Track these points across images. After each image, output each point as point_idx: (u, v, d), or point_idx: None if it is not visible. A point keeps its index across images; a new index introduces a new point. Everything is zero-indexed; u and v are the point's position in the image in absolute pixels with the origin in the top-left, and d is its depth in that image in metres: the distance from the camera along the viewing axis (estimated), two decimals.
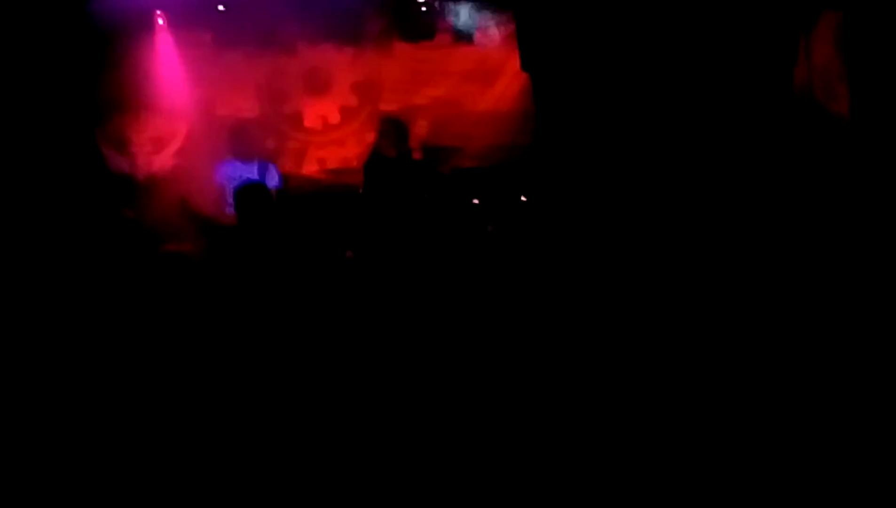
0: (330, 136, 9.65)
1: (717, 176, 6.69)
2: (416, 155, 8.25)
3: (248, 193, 6.45)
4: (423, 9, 9.37)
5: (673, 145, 7.02)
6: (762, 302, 5.32)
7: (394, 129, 7.58)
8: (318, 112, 9.61)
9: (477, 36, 9.48)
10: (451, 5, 8.02)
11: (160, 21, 9.30)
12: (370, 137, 9.13)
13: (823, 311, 5.10)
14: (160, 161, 9.51)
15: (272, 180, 7.49)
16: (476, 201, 8.17)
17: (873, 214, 5.77)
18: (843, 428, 3.99)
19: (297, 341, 5.51)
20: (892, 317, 4.87)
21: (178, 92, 9.50)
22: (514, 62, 9.38)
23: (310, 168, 9.60)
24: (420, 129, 8.89)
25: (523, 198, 8.21)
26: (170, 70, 9.44)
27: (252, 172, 7.46)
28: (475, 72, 9.49)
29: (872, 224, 5.70)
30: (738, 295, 5.48)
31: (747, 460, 3.87)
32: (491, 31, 9.48)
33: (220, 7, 9.21)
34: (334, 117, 9.60)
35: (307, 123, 9.63)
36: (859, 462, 3.73)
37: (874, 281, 5.23)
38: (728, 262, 5.94)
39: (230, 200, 7.43)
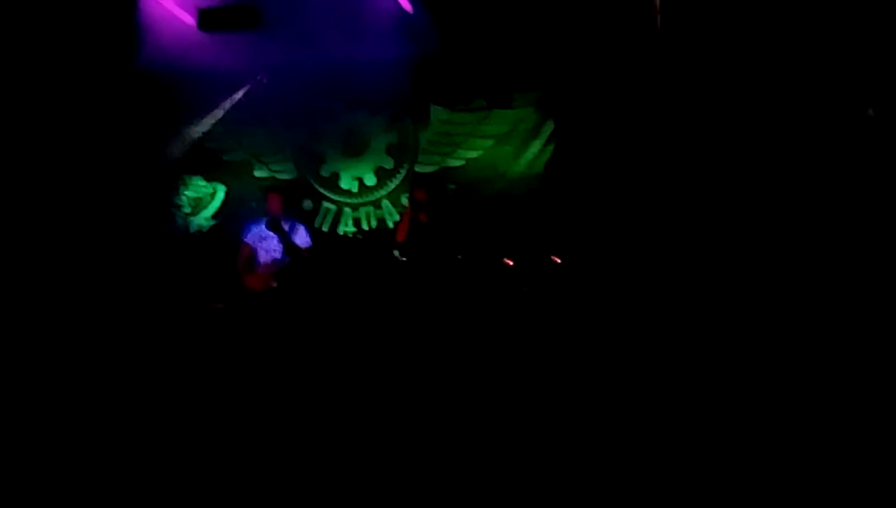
0: (365, 197, 9.72)
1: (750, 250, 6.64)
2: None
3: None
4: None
5: (701, 208, 7.00)
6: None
7: (424, 191, 7.68)
8: (354, 174, 9.71)
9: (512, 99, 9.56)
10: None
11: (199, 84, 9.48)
12: (405, 198, 9.24)
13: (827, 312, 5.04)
14: (198, 222, 9.66)
15: (301, 239, 7.54)
16: (510, 262, 8.15)
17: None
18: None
19: (330, 399, 5.51)
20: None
21: (217, 153, 9.70)
22: (549, 124, 9.47)
23: (346, 228, 9.67)
24: (454, 190, 8.93)
25: (557, 259, 8.18)
26: (209, 132, 9.64)
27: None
28: (509, 135, 9.53)
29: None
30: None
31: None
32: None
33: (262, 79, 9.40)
34: (370, 179, 9.69)
35: (343, 184, 9.72)
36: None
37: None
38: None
39: (260, 258, 7.52)
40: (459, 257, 7.75)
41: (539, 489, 3.99)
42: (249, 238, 7.65)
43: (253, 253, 7.58)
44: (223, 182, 9.76)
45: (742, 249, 6.68)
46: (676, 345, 5.86)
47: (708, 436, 4.31)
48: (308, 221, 8.93)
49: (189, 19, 8.43)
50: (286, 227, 7.43)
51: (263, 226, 7.45)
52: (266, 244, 7.50)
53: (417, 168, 9.60)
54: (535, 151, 9.50)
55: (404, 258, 7.77)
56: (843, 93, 6.52)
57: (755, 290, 6.20)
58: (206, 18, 7.97)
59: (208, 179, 9.78)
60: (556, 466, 4.24)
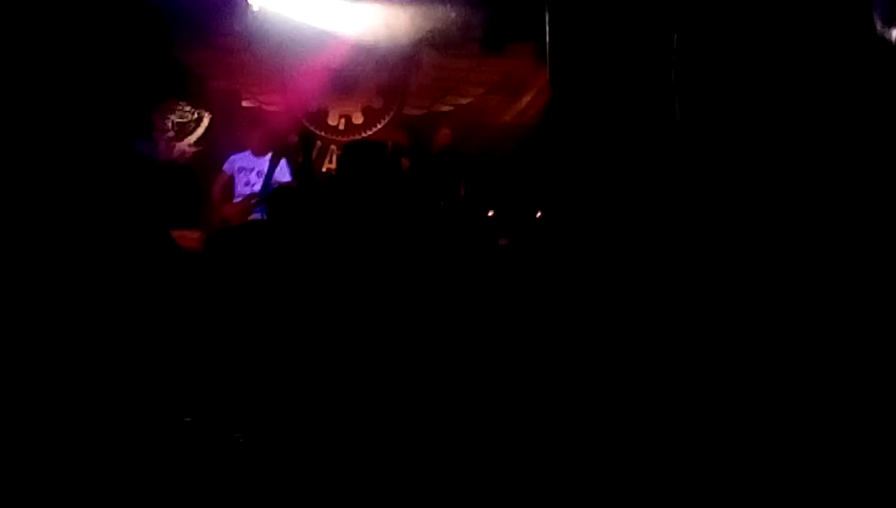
0: (352, 136, 9.66)
1: (743, 204, 6.63)
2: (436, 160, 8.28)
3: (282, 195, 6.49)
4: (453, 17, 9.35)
5: (696, 168, 6.99)
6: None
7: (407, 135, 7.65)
8: (342, 111, 9.63)
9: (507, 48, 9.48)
10: None
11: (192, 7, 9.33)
12: (392, 139, 9.18)
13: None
14: (181, 148, 9.58)
15: (283, 175, 7.50)
16: (491, 214, 8.14)
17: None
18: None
19: (301, 345, 5.50)
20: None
21: (205, 80, 9.57)
22: (542, 77, 9.40)
23: (330, 166, 9.62)
24: (442, 136, 8.86)
25: (538, 214, 8.17)
26: (199, 58, 9.50)
27: (263, 166, 7.49)
28: (501, 83, 9.47)
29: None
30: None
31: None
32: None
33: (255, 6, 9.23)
34: (357, 118, 9.62)
35: (331, 121, 9.64)
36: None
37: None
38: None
39: (238, 190, 7.48)
40: (441, 203, 7.72)
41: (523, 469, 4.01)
42: (227, 167, 7.60)
43: (230, 182, 7.53)
44: (209, 109, 9.66)
45: (739, 220, 6.67)
46: (661, 312, 5.88)
47: (702, 422, 4.33)
48: (293, 155, 8.87)
49: None
50: (269, 161, 7.39)
51: (245, 157, 7.41)
52: (245, 177, 7.46)
53: (405, 111, 9.55)
54: (526, 102, 9.47)
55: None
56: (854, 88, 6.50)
57: (753, 265, 6.20)
58: None
59: (194, 105, 9.67)
60: (542, 441, 4.27)
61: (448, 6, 9.09)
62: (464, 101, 9.54)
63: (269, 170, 7.44)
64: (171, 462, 4.19)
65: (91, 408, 4.31)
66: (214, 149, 8.99)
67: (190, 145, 9.62)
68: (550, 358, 5.35)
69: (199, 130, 9.64)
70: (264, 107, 9.57)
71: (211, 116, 9.62)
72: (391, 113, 9.57)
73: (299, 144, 7.56)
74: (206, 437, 4.44)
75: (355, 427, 4.59)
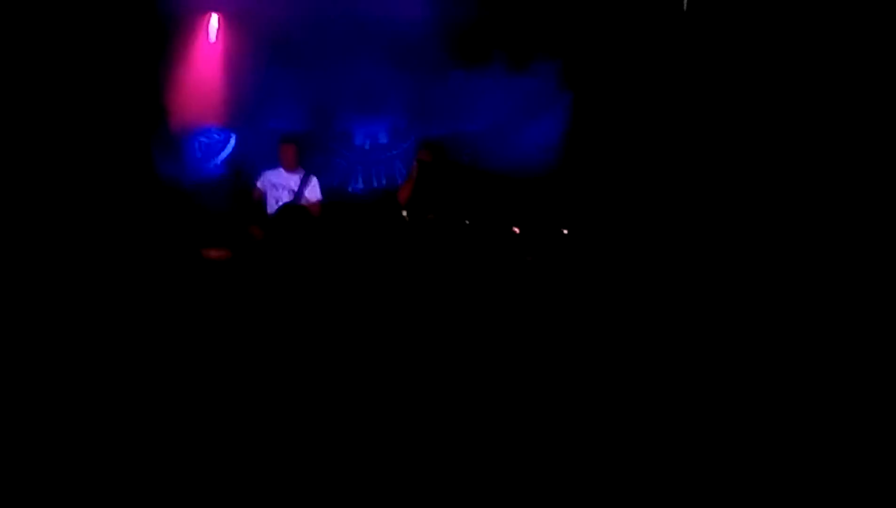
0: (378, 155, 9.69)
1: (759, 216, 6.61)
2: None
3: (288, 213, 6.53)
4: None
5: (715, 184, 6.96)
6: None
7: (433, 152, 7.67)
8: (368, 131, 9.66)
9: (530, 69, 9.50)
10: None
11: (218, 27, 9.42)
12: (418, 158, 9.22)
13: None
14: (209, 168, 9.63)
15: (313, 193, 7.55)
16: (517, 230, 8.14)
17: None
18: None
19: (322, 357, 5.52)
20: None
21: (232, 101, 9.62)
22: (564, 96, 9.43)
23: (356, 185, 9.65)
24: (465, 154, 8.88)
25: (565, 231, 8.17)
26: (226, 79, 9.57)
27: (294, 183, 7.53)
28: (525, 103, 9.49)
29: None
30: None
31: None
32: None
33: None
34: (383, 137, 9.65)
35: (356, 141, 9.68)
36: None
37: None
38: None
39: (269, 206, 7.52)
40: (466, 221, 7.74)
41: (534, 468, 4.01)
42: (261, 183, 7.65)
43: (263, 199, 7.58)
44: (235, 129, 9.70)
45: (754, 233, 6.66)
46: (679, 326, 5.86)
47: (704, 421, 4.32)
48: (319, 175, 8.88)
49: None
50: (300, 179, 7.44)
51: (276, 173, 7.46)
52: (277, 193, 7.51)
53: (433, 130, 9.56)
54: (549, 123, 9.48)
55: (408, 219, 7.78)
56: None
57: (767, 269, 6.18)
58: None
59: (221, 125, 9.71)
60: (554, 443, 4.27)
61: (475, 24, 9.13)
62: (487, 119, 9.54)
63: (299, 187, 7.49)
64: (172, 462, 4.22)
65: (103, 409, 4.33)
66: (243, 168, 9.05)
67: (217, 166, 9.66)
68: (572, 370, 5.34)
69: (227, 150, 9.68)
70: (290, 126, 9.58)
71: (238, 135, 9.66)
72: (417, 132, 9.59)
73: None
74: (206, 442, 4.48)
75: (360, 431, 4.60)
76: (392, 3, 8.71)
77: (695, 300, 6.08)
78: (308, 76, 9.50)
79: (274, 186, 7.54)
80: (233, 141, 9.69)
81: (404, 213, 7.69)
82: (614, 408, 4.76)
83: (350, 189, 9.61)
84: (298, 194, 7.43)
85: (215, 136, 9.70)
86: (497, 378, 5.31)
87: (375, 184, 9.62)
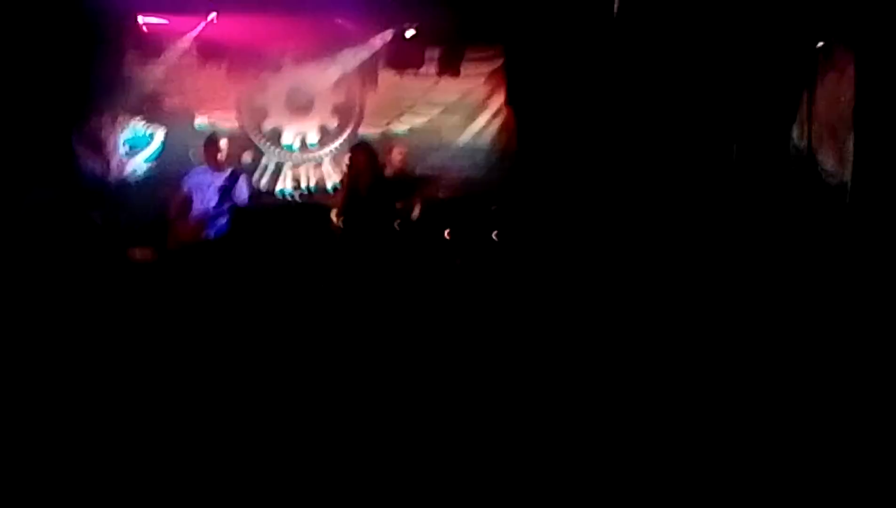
0: (307, 155, 9.62)
1: (704, 233, 6.68)
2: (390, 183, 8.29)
3: None
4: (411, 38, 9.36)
5: (658, 193, 7.02)
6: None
7: (365, 155, 7.60)
8: (298, 131, 9.59)
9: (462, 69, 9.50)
10: None
11: (145, 26, 9.26)
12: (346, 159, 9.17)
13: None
14: (134, 165, 9.45)
15: (241, 193, 7.45)
16: (447, 234, 8.14)
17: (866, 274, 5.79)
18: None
19: (254, 360, 5.45)
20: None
21: (158, 97, 9.47)
22: (497, 99, 9.46)
23: (284, 185, 9.56)
24: (397, 156, 8.86)
25: (494, 235, 8.19)
26: (152, 75, 9.41)
27: (221, 181, 7.44)
28: (457, 104, 9.51)
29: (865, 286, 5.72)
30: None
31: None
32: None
33: (211, 17, 9.15)
34: (313, 137, 9.58)
35: (285, 140, 9.59)
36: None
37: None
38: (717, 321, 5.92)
39: (196, 206, 7.41)
40: (397, 225, 7.71)
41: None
42: (185, 184, 7.53)
43: (187, 201, 7.46)
44: (162, 127, 9.54)
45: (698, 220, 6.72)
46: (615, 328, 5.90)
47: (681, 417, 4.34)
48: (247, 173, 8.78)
49: None
50: (227, 178, 7.35)
51: (204, 173, 7.35)
52: (202, 194, 7.39)
53: (361, 131, 9.53)
54: (482, 124, 9.51)
55: (340, 223, 7.74)
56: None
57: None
58: None
59: (147, 122, 9.54)
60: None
61: (406, 25, 9.12)
62: (419, 121, 9.54)
63: (228, 185, 7.39)
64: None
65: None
66: (169, 166, 8.90)
67: (142, 164, 9.49)
68: (507, 374, 5.34)
69: (152, 148, 9.52)
70: (218, 125, 9.45)
71: (165, 133, 9.50)
72: (347, 132, 9.54)
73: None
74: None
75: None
76: (324, 3, 8.66)
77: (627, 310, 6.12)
78: (237, 74, 9.39)
79: (200, 185, 7.42)
80: (159, 137, 9.53)
81: (334, 217, 7.63)
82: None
83: (278, 190, 9.52)
84: (227, 193, 7.33)
85: (141, 133, 9.53)
86: (427, 382, 5.29)
87: (304, 184, 9.54)
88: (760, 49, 6.86)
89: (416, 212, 7.77)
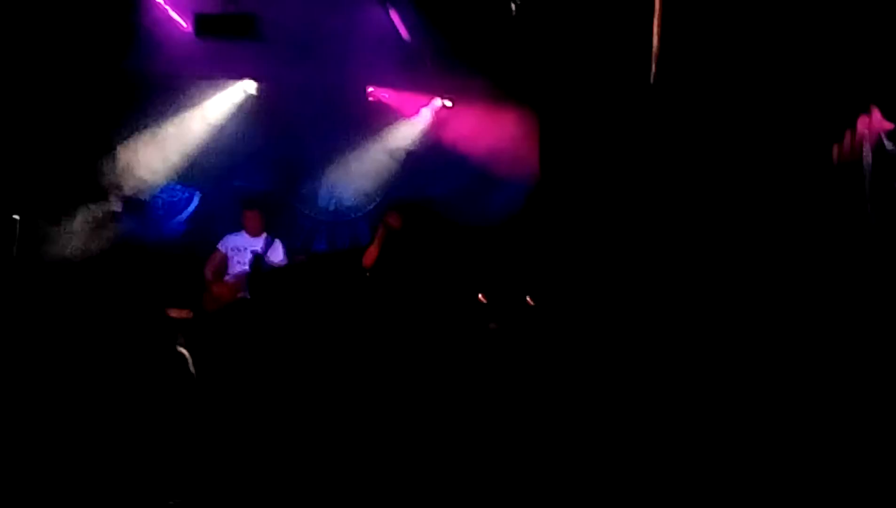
0: (342, 216, 9.71)
1: (741, 281, 6.63)
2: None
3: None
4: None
5: (690, 239, 6.98)
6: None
7: (400, 216, 7.68)
8: (333, 193, 9.68)
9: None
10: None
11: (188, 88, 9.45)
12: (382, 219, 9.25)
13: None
14: (172, 226, 9.57)
15: (277, 256, 7.52)
16: (482, 298, 8.13)
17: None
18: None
19: (288, 421, 5.46)
20: None
21: (197, 159, 9.62)
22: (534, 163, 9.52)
23: (320, 246, 9.63)
24: (429, 218, 8.90)
25: (529, 299, 8.17)
26: (191, 138, 9.57)
27: (258, 246, 7.51)
28: (493, 169, 9.58)
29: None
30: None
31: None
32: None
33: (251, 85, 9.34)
34: (348, 199, 9.67)
35: (321, 202, 9.69)
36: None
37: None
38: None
39: (231, 269, 7.48)
40: (432, 287, 7.73)
41: None
42: (221, 246, 7.61)
43: (224, 261, 7.54)
44: (199, 188, 9.67)
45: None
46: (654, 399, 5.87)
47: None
48: (284, 236, 8.85)
49: (186, 24, 8.37)
50: (263, 243, 7.43)
51: (240, 237, 7.44)
52: (239, 256, 7.46)
53: (397, 193, 9.60)
54: (517, 184, 9.54)
55: (373, 282, 7.78)
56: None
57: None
58: (202, 25, 7.88)
59: (185, 183, 9.67)
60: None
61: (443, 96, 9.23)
62: (456, 183, 9.61)
63: (263, 250, 7.46)
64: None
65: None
66: (206, 228, 9.00)
67: (180, 224, 9.61)
68: (537, 441, 5.31)
69: (190, 209, 9.64)
70: (255, 187, 9.57)
71: (201, 194, 9.63)
72: (382, 193, 9.62)
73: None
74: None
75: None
76: (361, 67, 8.78)
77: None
78: (274, 137, 9.52)
79: (237, 249, 7.50)
80: (196, 199, 9.66)
81: (368, 279, 7.67)
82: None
83: (314, 250, 9.59)
84: (262, 257, 7.40)
85: (179, 194, 9.66)
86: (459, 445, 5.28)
87: (339, 246, 9.60)
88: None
89: (450, 275, 7.79)
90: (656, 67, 7.33)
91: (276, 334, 6.34)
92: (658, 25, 6.70)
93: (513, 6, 7.55)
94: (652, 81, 7.46)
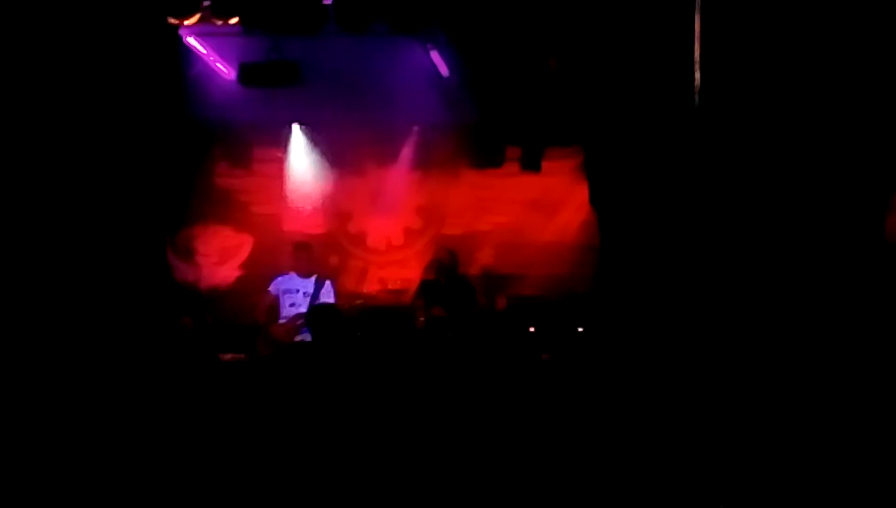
0: (392, 256, 9.77)
1: (800, 327, 6.52)
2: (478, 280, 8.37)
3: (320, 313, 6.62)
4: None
5: (745, 290, 6.89)
6: None
7: (444, 258, 7.75)
8: (383, 232, 9.75)
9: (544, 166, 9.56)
10: None
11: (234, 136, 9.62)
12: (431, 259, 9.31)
13: None
14: (224, 272, 9.70)
15: (327, 297, 7.57)
16: (532, 330, 8.11)
17: None
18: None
19: (348, 457, 5.48)
20: None
21: (247, 205, 9.77)
22: (580, 194, 9.48)
23: (370, 287, 9.68)
24: (484, 255, 8.94)
25: (580, 329, 8.14)
26: (241, 184, 9.74)
27: (308, 287, 7.57)
28: (540, 201, 9.56)
29: None
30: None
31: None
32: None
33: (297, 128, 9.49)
34: (398, 238, 9.73)
35: (370, 242, 9.76)
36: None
37: None
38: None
39: (284, 312, 7.55)
40: (484, 321, 7.73)
41: None
42: (273, 288, 7.69)
43: (276, 304, 7.61)
44: (251, 233, 9.80)
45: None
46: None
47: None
48: (334, 276, 8.92)
49: (229, 72, 8.54)
50: (314, 282, 7.50)
51: (290, 279, 7.51)
52: (290, 299, 7.53)
53: (445, 230, 9.65)
54: (564, 220, 9.52)
55: (423, 319, 7.81)
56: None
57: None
58: (247, 74, 8.02)
59: (237, 229, 9.81)
60: None
61: (485, 125, 9.24)
62: (503, 219, 9.61)
63: (314, 291, 7.52)
64: None
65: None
66: (258, 271, 9.09)
67: (233, 269, 9.74)
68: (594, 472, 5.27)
69: (242, 255, 9.77)
70: (305, 230, 9.69)
71: (253, 240, 9.76)
72: (431, 232, 9.67)
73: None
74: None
75: None
76: (404, 106, 8.87)
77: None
78: (323, 180, 9.63)
79: (288, 290, 7.57)
80: (248, 244, 9.79)
81: (419, 316, 7.71)
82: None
83: (364, 291, 9.64)
84: (313, 299, 7.46)
85: (231, 238, 9.80)
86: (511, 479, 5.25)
87: (390, 285, 9.64)
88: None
89: (500, 308, 7.80)
90: (699, 98, 7.31)
91: (335, 378, 6.37)
92: (698, 56, 6.69)
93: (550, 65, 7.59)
94: (695, 113, 7.44)
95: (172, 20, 6.92)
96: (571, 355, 7.81)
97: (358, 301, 8.82)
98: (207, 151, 9.52)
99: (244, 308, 8.50)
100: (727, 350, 6.71)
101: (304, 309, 7.46)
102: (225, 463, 5.42)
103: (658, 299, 7.61)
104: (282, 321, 7.53)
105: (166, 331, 7.98)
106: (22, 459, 5.20)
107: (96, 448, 5.53)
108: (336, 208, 9.78)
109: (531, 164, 9.52)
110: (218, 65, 8.57)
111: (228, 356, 7.49)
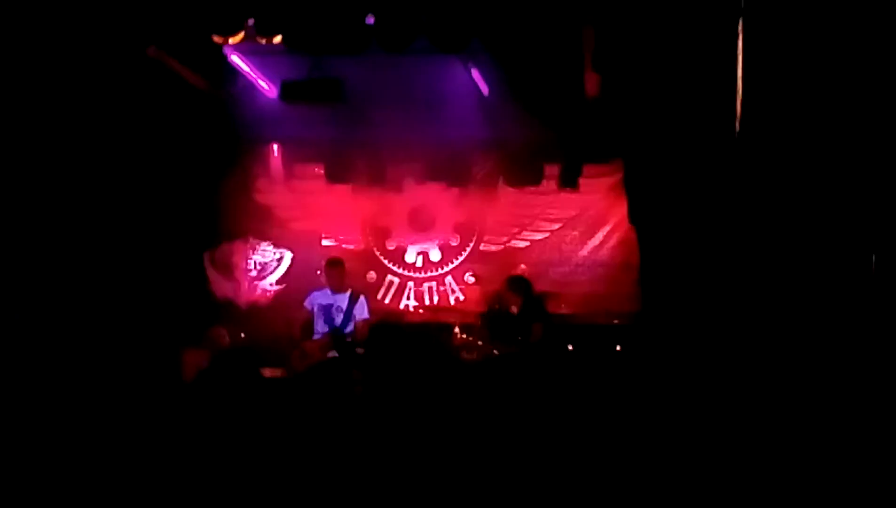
0: (430, 272, 9.77)
1: (840, 339, 6.46)
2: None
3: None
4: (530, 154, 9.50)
5: (787, 311, 6.83)
6: None
7: (519, 287, 7.80)
8: (420, 248, 9.78)
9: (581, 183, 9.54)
10: None
11: (275, 152, 9.70)
12: (469, 275, 9.34)
13: None
14: (263, 287, 9.77)
15: (361, 312, 7.60)
16: (570, 348, 8.10)
17: None
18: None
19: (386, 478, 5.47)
20: None
21: (286, 221, 9.83)
22: (617, 212, 9.45)
23: (408, 302, 9.71)
24: (521, 273, 8.92)
25: (618, 347, 8.11)
26: (281, 200, 9.81)
27: (343, 302, 7.61)
28: (577, 219, 9.55)
29: None
30: None
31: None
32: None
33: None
34: (435, 255, 9.74)
35: (408, 258, 9.79)
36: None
37: None
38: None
39: (320, 326, 7.58)
40: (519, 338, 7.73)
41: None
42: (308, 304, 7.72)
43: (311, 319, 7.65)
44: (290, 249, 9.87)
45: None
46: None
47: None
48: (371, 292, 8.94)
49: (271, 90, 8.62)
50: (349, 298, 7.54)
51: (324, 294, 7.56)
52: (326, 314, 7.57)
53: (483, 247, 9.66)
54: (601, 238, 9.51)
55: (464, 337, 7.82)
56: None
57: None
58: (288, 91, 8.09)
59: (276, 245, 9.88)
60: None
61: (523, 142, 9.24)
62: (539, 236, 9.61)
63: (347, 306, 7.55)
64: None
65: None
66: (296, 287, 9.15)
67: (272, 284, 9.81)
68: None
69: (281, 269, 9.84)
70: (343, 246, 9.75)
71: (292, 255, 9.82)
72: (468, 249, 9.68)
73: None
74: None
75: None
76: (443, 124, 8.90)
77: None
78: (360, 196, 9.67)
79: (322, 306, 7.61)
80: (287, 259, 9.85)
81: (457, 330, 7.73)
82: None
83: (401, 307, 9.67)
84: (347, 314, 7.50)
85: (270, 254, 9.87)
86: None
87: (427, 301, 9.66)
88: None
89: (536, 338, 7.75)
90: (740, 123, 7.27)
91: (369, 395, 6.38)
92: (741, 81, 6.66)
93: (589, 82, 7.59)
94: (736, 136, 7.40)
95: (217, 39, 6.98)
96: (609, 375, 7.78)
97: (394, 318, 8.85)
98: (248, 168, 9.60)
99: (282, 323, 8.55)
100: (771, 369, 6.67)
101: (338, 323, 7.51)
102: (253, 479, 5.44)
103: (701, 317, 7.57)
104: (316, 338, 7.57)
105: (207, 347, 8.06)
106: (50, 469, 5.25)
107: (132, 461, 5.57)
108: (374, 225, 9.82)
109: (569, 181, 9.52)
110: (260, 82, 8.66)
111: (267, 372, 7.54)
